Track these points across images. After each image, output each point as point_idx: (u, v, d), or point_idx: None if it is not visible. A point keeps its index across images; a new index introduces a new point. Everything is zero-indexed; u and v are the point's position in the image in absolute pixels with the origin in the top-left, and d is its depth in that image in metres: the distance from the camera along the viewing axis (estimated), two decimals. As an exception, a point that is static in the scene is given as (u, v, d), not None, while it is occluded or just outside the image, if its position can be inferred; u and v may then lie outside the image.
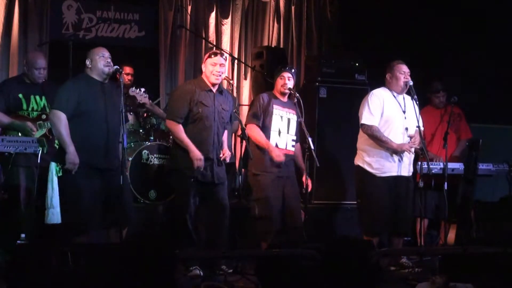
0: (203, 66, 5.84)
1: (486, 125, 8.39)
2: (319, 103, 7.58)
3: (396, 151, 6.17)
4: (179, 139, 5.73)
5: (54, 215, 5.84)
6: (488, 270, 5.05)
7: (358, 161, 6.35)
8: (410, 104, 6.24)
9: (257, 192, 6.20)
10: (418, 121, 6.14)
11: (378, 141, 6.18)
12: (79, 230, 5.41)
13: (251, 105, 6.27)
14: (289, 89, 6.28)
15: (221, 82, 5.99)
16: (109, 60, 5.50)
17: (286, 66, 6.40)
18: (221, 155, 5.80)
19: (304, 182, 6.27)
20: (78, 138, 5.37)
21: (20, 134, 5.95)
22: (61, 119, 5.33)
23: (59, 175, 5.43)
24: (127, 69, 7.71)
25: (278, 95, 6.30)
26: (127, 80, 7.63)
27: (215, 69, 5.72)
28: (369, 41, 8.51)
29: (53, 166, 5.55)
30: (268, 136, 6.19)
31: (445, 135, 6.53)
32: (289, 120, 6.29)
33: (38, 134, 5.96)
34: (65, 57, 6.83)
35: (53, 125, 5.43)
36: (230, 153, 5.88)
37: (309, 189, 6.31)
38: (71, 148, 5.30)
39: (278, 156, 6.08)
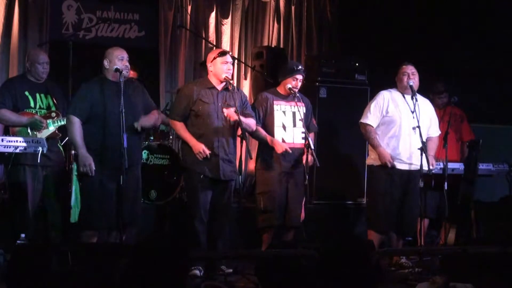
0: (210, 65, 5.86)
1: (486, 125, 8.39)
2: (319, 103, 7.58)
3: (399, 149, 6.18)
4: (181, 136, 5.91)
5: (72, 214, 6.03)
6: (488, 270, 5.05)
7: (368, 160, 6.47)
8: (422, 104, 6.24)
9: (263, 185, 6.25)
10: (418, 121, 6.14)
11: (369, 141, 6.22)
12: (88, 228, 5.56)
13: (252, 107, 6.29)
14: (289, 88, 6.29)
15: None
16: (127, 63, 5.59)
17: (300, 67, 6.35)
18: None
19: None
20: (93, 140, 5.50)
21: (29, 131, 5.96)
22: (74, 123, 5.50)
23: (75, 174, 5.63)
24: (131, 73, 7.70)
25: (281, 92, 6.32)
26: None
27: (227, 67, 5.83)
28: (369, 41, 8.51)
29: (76, 167, 5.68)
30: (272, 133, 6.23)
31: (445, 135, 6.53)
32: (294, 113, 6.29)
33: (48, 131, 5.98)
34: (65, 57, 6.83)
35: (67, 129, 5.62)
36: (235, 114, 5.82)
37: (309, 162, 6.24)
38: (81, 150, 5.46)
39: (281, 149, 6.12)
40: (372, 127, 6.25)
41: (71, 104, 5.68)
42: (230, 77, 5.87)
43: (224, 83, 5.85)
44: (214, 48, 8.41)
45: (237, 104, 5.82)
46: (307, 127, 6.29)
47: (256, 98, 6.47)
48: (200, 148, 5.74)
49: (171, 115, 5.98)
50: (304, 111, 6.31)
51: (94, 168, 5.44)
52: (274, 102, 6.26)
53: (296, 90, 6.28)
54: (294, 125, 6.29)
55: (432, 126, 6.42)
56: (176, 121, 5.89)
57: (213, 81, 5.86)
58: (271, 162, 6.22)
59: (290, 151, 6.15)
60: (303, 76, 6.34)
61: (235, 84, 7.43)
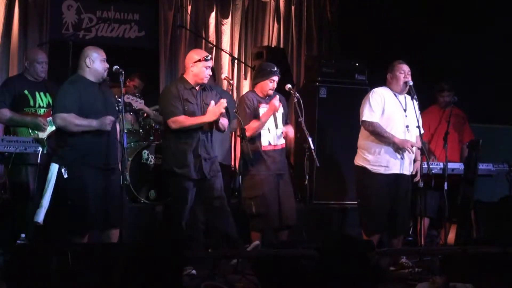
0: (192, 66, 5.80)
1: (486, 125, 8.39)
2: (319, 103, 7.60)
3: (398, 147, 6.15)
4: (190, 124, 5.70)
5: (40, 214, 5.56)
6: (488, 270, 5.05)
7: (358, 160, 6.32)
8: (411, 104, 6.24)
9: (253, 190, 6.22)
10: (418, 121, 6.13)
11: (380, 137, 6.15)
12: (84, 229, 5.45)
13: (239, 108, 6.23)
14: (289, 88, 6.31)
15: (221, 82, 6.03)
16: (107, 64, 5.53)
17: (275, 68, 6.33)
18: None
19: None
20: (80, 141, 5.39)
21: (30, 131, 5.95)
22: (67, 118, 5.32)
23: (65, 177, 5.41)
24: (136, 81, 7.73)
25: (259, 94, 6.32)
26: (133, 91, 7.63)
27: (208, 72, 5.82)
28: (369, 41, 8.51)
29: (53, 167, 5.48)
30: (260, 136, 6.23)
31: (445, 135, 6.52)
32: (274, 115, 6.30)
33: (49, 130, 5.96)
34: (65, 57, 6.83)
35: (64, 128, 5.37)
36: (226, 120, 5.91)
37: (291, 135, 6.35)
38: (95, 123, 5.35)
39: (276, 104, 6.17)
40: (379, 123, 6.19)
41: (57, 104, 5.43)
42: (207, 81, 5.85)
43: (200, 84, 5.84)
44: (214, 48, 8.42)
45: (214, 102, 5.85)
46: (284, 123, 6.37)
47: (242, 100, 6.36)
48: (211, 113, 5.67)
49: (169, 115, 5.74)
50: (283, 111, 6.36)
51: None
52: (259, 105, 6.27)
53: (271, 93, 6.29)
54: (276, 127, 6.30)
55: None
56: (178, 115, 5.70)
57: (191, 81, 5.82)
58: (258, 165, 6.20)
59: (280, 103, 6.19)
60: (279, 77, 6.31)
61: (235, 84, 7.46)
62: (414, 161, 6.24)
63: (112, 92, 5.81)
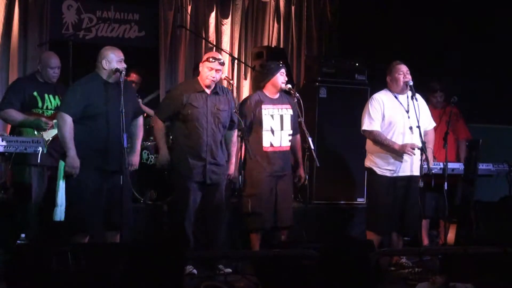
0: (201, 66, 5.84)
1: (486, 125, 8.39)
2: (319, 103, 7.59)
3: (399, 153, 6.17)
4: (156, 136, 6.03)
5: (58, 213, 5.82)
6: (488, 270, 5.06)
7: (366, 162, 6.41)
8: (414, 104, 6.24)
9: (250, 188, 6.23)
10: (418, 121, 6.14)
11: (381, 145, 6.20)
12: (80, 230, 5.43)
13: (241, 112, 6.22)
14: (289, 88, 6.30)
15: (221, 82, 6.01)
16: (125, 64, 5.52)
17: (280, 63, 6.34)
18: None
19: (302, 176, 6.33)
20: (85, 140, 5.40)
21: (36, 132, 5.96)
22: (67, 122, 5.36)
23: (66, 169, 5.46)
24: (133, 76, 7.73)
25: (269, 93, 6.29)
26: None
27: (210, 74, 5.77)
28: (369, 41, 8.51)
29: (61, 165, 5.58)
30: (261, 137, 6.19)
31: (445, 135, 6.52)
32: (281, 116, 6.27)
33: (53, 131, 5.95)
34: (65, 57, 6.82)
35: (58, 127, 5.44)
36: (235, 173, 6.04)
37: (303, 181, 6.35)
38: (71, 152, 5.33)
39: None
40: (379, 131, 6.23)
41: (63, 102, 5.54)
42: (212, 84, 5.79)
43: (207, 86, 5.81)
44: (214, 48, 8.41)
45: (229, 107, 5.88)
46: (294, 128, 6.31)
47: (244, 102, 6.34)
48: (163, 160, 5.87)
49: (157, 113, 6.01)
50: (292, 113, 6.31)
51: (77, 171, 5.36)
52: (263, 106, 6.22)
53: (285, 86, 6.27)
54: (282, 128, 6.27)
55: (427, 120, 6.41)
56: (160, 120, 5.91)
57: (202, 83, 5.82)
58: (257, 164, 6.18)
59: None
60: (285, 69, 6.32)
61: (234, 84, 7.46)
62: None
63: (133, 94, 5.78)
